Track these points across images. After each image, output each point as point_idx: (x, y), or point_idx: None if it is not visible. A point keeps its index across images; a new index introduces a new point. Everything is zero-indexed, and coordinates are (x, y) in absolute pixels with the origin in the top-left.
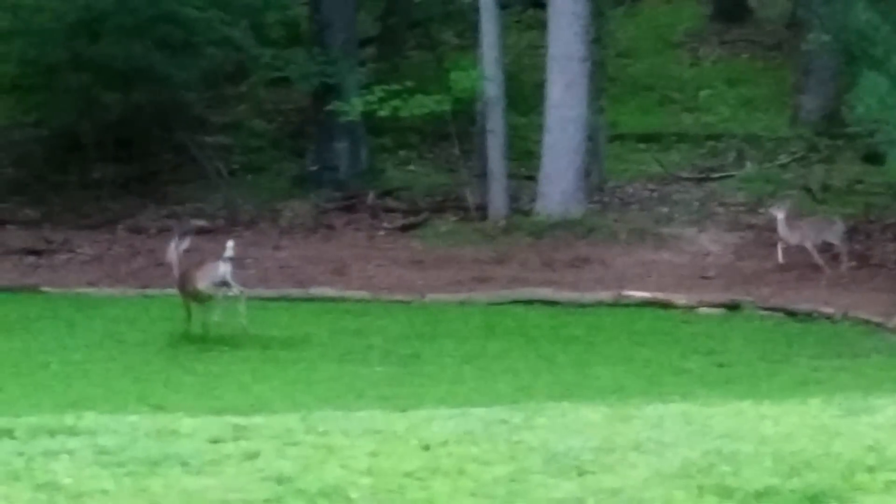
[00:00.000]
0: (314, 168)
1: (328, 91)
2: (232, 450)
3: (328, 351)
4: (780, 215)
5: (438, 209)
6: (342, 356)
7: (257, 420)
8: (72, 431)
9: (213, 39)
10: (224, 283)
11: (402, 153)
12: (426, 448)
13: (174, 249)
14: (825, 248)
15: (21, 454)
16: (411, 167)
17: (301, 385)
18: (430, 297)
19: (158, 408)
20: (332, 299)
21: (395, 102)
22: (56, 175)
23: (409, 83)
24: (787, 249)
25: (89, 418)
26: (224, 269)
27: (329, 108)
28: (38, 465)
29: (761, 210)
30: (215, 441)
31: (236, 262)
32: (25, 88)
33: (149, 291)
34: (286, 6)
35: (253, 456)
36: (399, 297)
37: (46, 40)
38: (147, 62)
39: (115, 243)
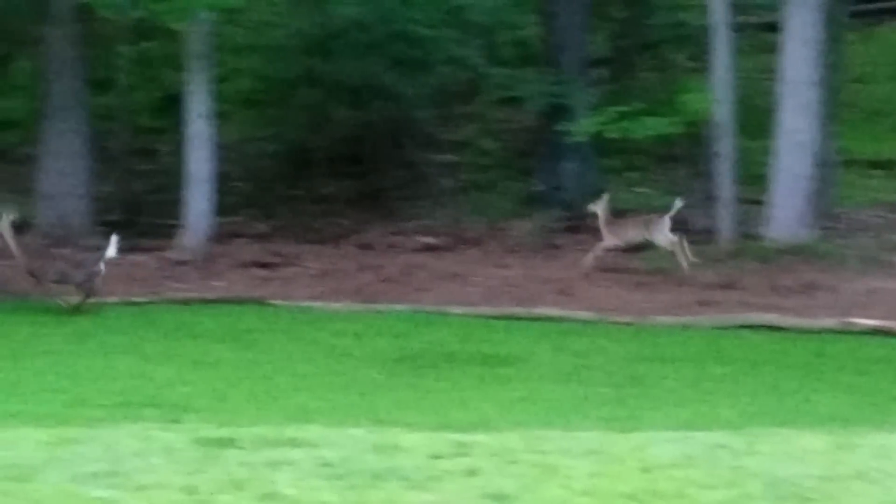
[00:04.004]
0: (541, 188)
1: (558, 111)
2: (452, 466)
3: (551, 370)
4: (599, 212)
5: None
6: (564, 376)
7: (478, 437)
8: (295, 443)
9: (445, 58)
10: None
11: (629, 175)
12: (646, 470)
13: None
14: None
15: (245, 464)
16: (639, 189)
17: (523, 403)
18: (654, 319)
19: (380, 422)
20: (556, 319)
21: (625, 124)
22: (287, 189)
23: (639, 105)
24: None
25: (312, 431)
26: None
27: (558, 128)
28: (262, 476)
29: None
30: (436, 457)
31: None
32: (259, 103)
33: (374, 306)
34: (519, 26)
35: (473, 473)
36: (623, 318)
37: (281, 56)
38: (379, 79)
39: (342, 258)
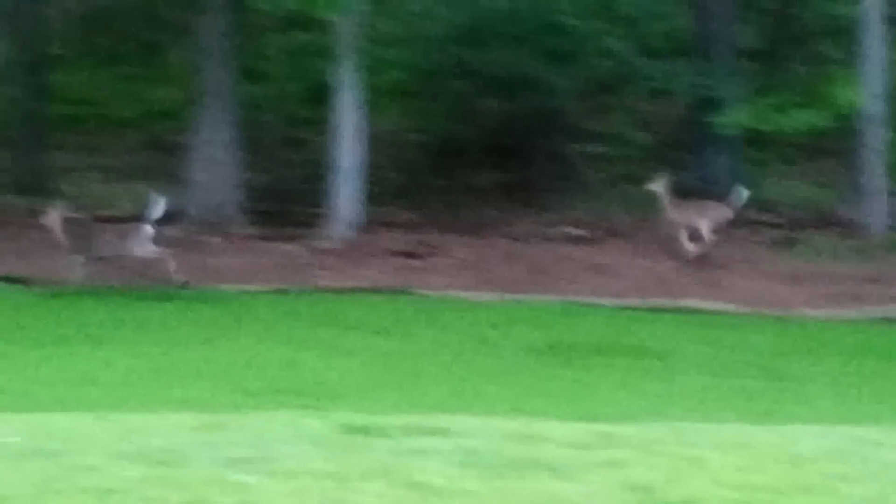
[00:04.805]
0: (690, 180)
1: (707, 103)
2: (597, 457)
3: (698, 362)
4: (660, 191)
5: (815, 224)
6: (712, 368)
7: (624, 428)
8: (441, 432)
9: (595, 50)
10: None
11: (780, 167)
12: (793, 464)
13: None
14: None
15: (390, 452)
16: (789, 181)
17: (669, 396)
18: (802, 312)
19: (526, 412)
20: (704, 311)
21: (775, 116)
22: (435, 179)
23: (789, 97)
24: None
25: (458, 420)
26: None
27: (707, 120)
28: (407, 464)
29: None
30: (581, 447)
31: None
32: (410, 94)
33: (521, 297)
34: (670, 17)
35: (618, 464)
36: (772, 311)
37: (432, 47)
38: (529, 71)
39: (489, 248)
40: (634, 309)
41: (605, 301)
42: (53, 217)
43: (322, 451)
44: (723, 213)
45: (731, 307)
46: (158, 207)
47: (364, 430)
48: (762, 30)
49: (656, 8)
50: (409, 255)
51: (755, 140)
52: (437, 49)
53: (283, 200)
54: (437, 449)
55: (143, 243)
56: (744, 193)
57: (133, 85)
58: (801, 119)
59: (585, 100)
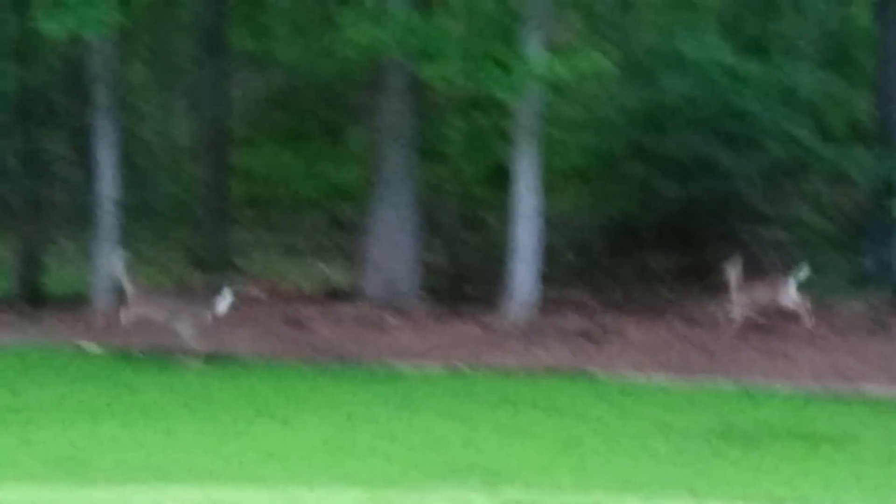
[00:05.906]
0: (871, 266)
1: (887, 189)
2: None
3: (877, 450)
4: (733, 273)
5: None
6: (890, 455)
7: None
8: None
9: (775, 135)
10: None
11: None
12: None
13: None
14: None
15: None
16: None
17: (846, 482)
18: None
19: (699, 495)
20: (885, 399)
21: None
22: (612, 262)
23: None
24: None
25: (630, 502)
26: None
27: (887, 206)
28: None
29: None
30: None
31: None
32: (588, 177)
33: (697, 380)
34: (850, 103)
35: None
36: None
37: (610, 131)
38: (708, 154)
39: (665, 331)
40: (811, 394)
41: (781, 386)
42: (115, 261)
43: None
44: (790, 284)
45: None
46: (226, 303)
47: None
48: None
49: (836, 93)
50: (585, 336)
51: None
52: (615, 132)
53: (459, 280)
54: None
55: (198, 326)
56: (804, 269)
57: (314, 164)
58: None
59: (764, 184)
